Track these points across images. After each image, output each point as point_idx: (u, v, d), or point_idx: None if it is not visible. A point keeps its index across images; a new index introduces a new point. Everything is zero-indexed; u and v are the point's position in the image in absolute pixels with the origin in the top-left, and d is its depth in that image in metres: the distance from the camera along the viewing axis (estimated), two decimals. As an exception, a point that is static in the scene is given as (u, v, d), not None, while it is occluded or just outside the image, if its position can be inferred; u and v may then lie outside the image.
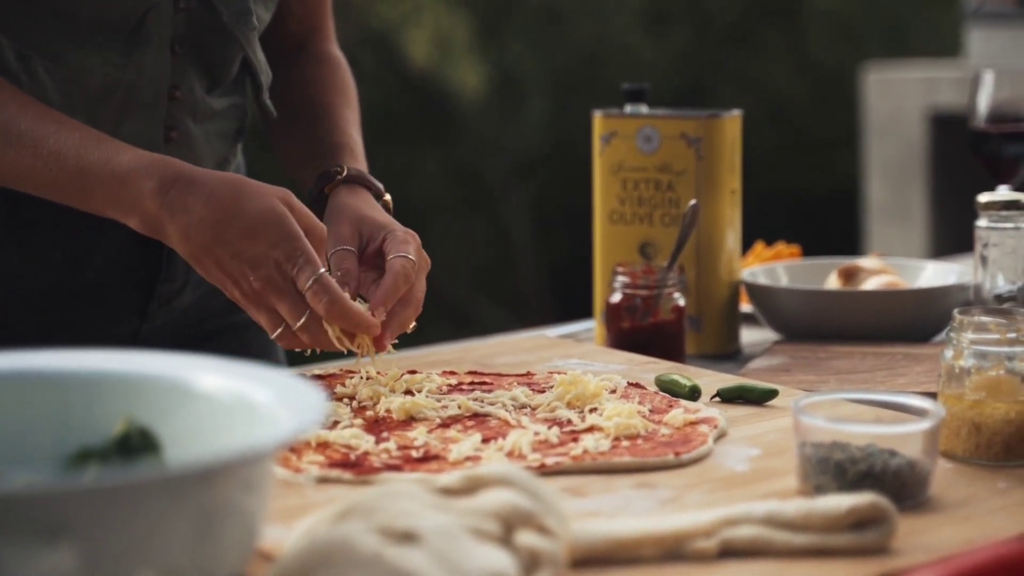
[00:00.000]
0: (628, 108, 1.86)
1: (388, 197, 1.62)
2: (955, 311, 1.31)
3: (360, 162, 1.64)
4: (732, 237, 1.85)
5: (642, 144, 1.83)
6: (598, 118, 1.86)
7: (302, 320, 1.40)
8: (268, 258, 1.38)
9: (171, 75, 1.56)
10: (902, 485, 1.16)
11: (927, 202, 4.77)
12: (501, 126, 7.22)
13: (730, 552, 1.07)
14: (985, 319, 1.30)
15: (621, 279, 1.73)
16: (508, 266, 6.75)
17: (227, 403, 0.98)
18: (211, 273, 1.41)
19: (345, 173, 1.59)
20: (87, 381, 1.00)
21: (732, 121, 1.84)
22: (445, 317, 5.87)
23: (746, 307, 1.96)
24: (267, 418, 0.95)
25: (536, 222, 7.02)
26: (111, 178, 1.40)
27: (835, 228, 6.59)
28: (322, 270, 1.39)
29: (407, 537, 0.96)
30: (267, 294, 1.40)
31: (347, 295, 1.42)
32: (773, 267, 1.98)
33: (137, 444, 0.99)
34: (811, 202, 7.14)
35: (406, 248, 1.49)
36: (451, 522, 0.98)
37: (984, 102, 1.94)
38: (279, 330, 1.42)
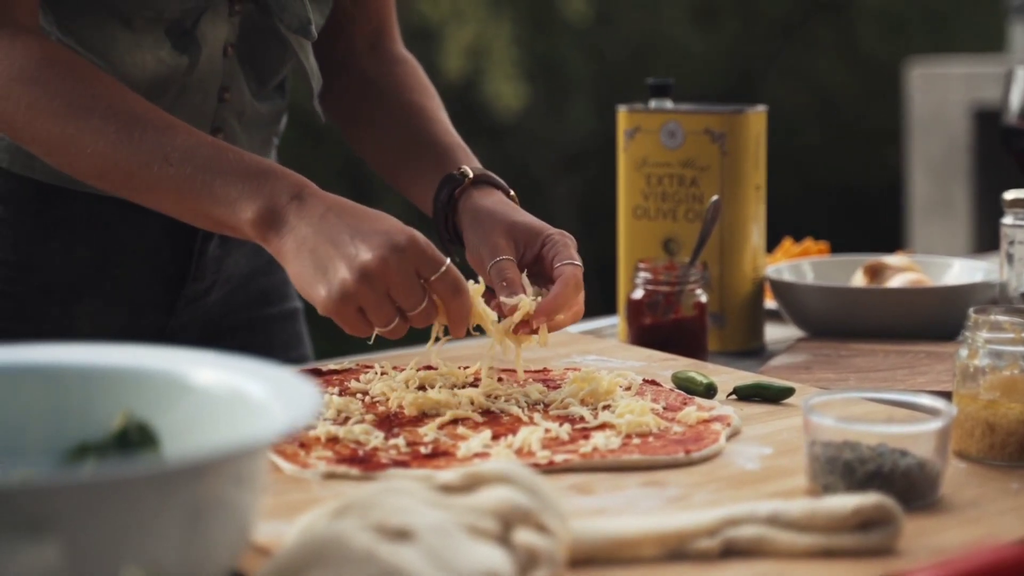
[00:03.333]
0: (652, 103, 1.85)
1: (513, 192, 1.59)
2: (970, 310, 1.30)
3: (474, 160, 1.61)
4: (756, 233, 1.83)
5: (666, 139, 1.82)
6: (622, 113, 1.85)
7: (423, 306, 1.37)
8: (391, 235, 1.35)
9: (222, 77, 1.57)
10: (911, 485, 1.15)
11: (970, 198, 4.73)
12: (549, 120, 7.21)
13: (733, 552, 1.06)
14: (1001, 318, 1.28)
15: (643, 275, 1.72)
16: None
17: (222, 397, 0.98)
18: (317, 259, 1.36)
19: (472, 175, 1.56)
20: (83, 375, 1.00)
21: (757, 117, 1.82)
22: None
23: (772, 304, 1.95)
24: (261, 412, 0.94)
25: (583, 216, 7.01)
26: (245, 173, 1.39)
27: (879, 223, 6.55)
28: (448, 261, 1.37)
29: (401, 534, 0.95)
30: (382, 272, 1.34)
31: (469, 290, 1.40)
32: (799, 263, 1.97)
33: (135, 439, 0.99)
34: (856, 197, 7.11)
35: (569, 253, 1.47)
36: (447, 519, 0.98)
37: (1017, 98, 1.92)
38: (394, 323, 1.37)
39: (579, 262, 1.47)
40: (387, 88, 1.71)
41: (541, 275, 1.49)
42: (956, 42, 7.09)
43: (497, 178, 1.58)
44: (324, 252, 1.36)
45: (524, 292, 1.45)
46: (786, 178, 6.72)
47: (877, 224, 6.66)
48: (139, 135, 1.40)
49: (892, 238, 5.47)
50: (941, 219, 4.82)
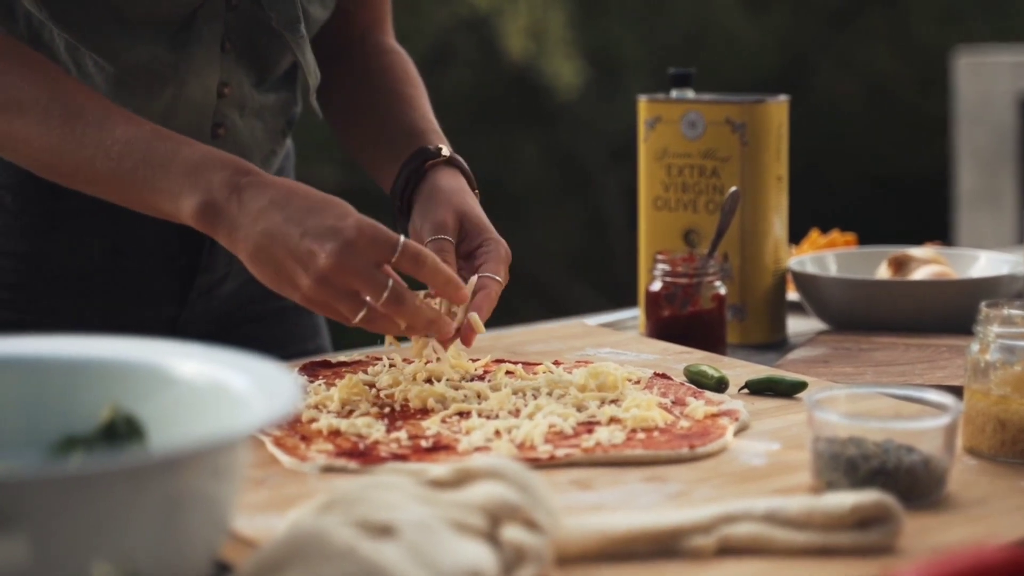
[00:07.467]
0: (674, 93, 1.83)
1: (477, 189, 1.57)
2: (982, 303, 1.27)
3: (448, 146, 1.60)
4: (778, 224, 1.81)
5: (687, 129, 1.80)
6: (642, 103, 1.83)
7: (387, 293, 1.32)
8: (339, 231, 1.32)
9: (220, 72, 1.56)
10: (915, 482, 1.12)
11: (1018, 188, 4.67)
12: (599, 110, 7.19)
13: (729, 550, 1.04)
14: (1012, 312, 1.26)
15: (661, 267, 1.70)
16: (604, 251, 6.71)
17: (205, 389, 0.97)
18: (276, 264, 1.34)
19: (449, 155, 1.56)
20: (66, 367, 0.99)
21: (778, 106, 1.80)
22: (538, 301, 5.86)
23: (796, 296, 1.92)
24: (243, 405, 0.93)
25: (633, 206, 6.98)
26: (182, 166, 1.36)
27: (927, 214, 6.50)
28: (402, 238, 1.34)
29: (384, 530, 0.94)
30: (339, 272, 1.31)
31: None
32: (823, 255, 1.94)
33: (123, 431, 0.98)
34: (905, 187, 7.05)
35: (498, 268, 1.45)
36: (431, 515, 0.97)
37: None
38: (362, 313, 1.34)
39: (501, 278, 1.45)
40: (373, 74, 1.70)
41: (466, 270, 1.47)
42: (1014, 30, 7.01)
43: (466, 166, 1.57)
44: (279, 257, 1.33)
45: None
46: (835, 167, 6.68)
47: (925, 214, 6.60)
48: (80, 129, 1.38)
49: (939, 229, 5.41)
50: (988, 210, 4.76)
